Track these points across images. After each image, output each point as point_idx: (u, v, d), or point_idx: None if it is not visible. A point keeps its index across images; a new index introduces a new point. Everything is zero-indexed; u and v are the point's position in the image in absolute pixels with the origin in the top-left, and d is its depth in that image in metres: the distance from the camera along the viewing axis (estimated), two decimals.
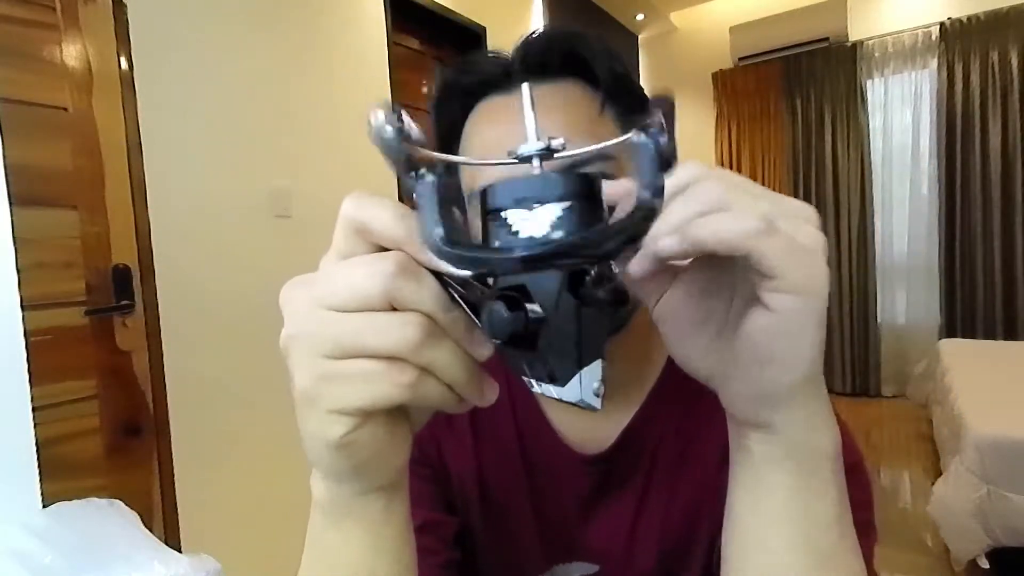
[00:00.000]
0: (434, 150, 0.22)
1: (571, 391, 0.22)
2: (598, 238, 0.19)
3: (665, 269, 0.29)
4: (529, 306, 0.22)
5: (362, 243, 0.25)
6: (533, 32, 0.48)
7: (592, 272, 0.22)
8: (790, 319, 0.26)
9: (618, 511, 0.50)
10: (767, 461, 0.30)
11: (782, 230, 0.25)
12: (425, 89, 2.71)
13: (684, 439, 0.49)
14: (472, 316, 0.24)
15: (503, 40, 0.54)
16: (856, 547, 0.31)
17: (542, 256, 0.18)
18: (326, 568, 0.32)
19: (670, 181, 0.25)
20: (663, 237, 0.25)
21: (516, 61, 0.48)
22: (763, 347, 0.27)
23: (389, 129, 0.20)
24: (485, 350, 0.25)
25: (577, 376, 0.22)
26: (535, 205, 0.19)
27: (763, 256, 0.24)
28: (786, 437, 0.29)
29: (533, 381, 0.23)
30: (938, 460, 2.28)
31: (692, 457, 0.49)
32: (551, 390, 0.22)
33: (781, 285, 0.25)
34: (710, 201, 0.25)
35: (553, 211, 0.19)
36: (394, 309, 0.23)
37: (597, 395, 0.22)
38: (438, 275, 0.24)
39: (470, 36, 2.72)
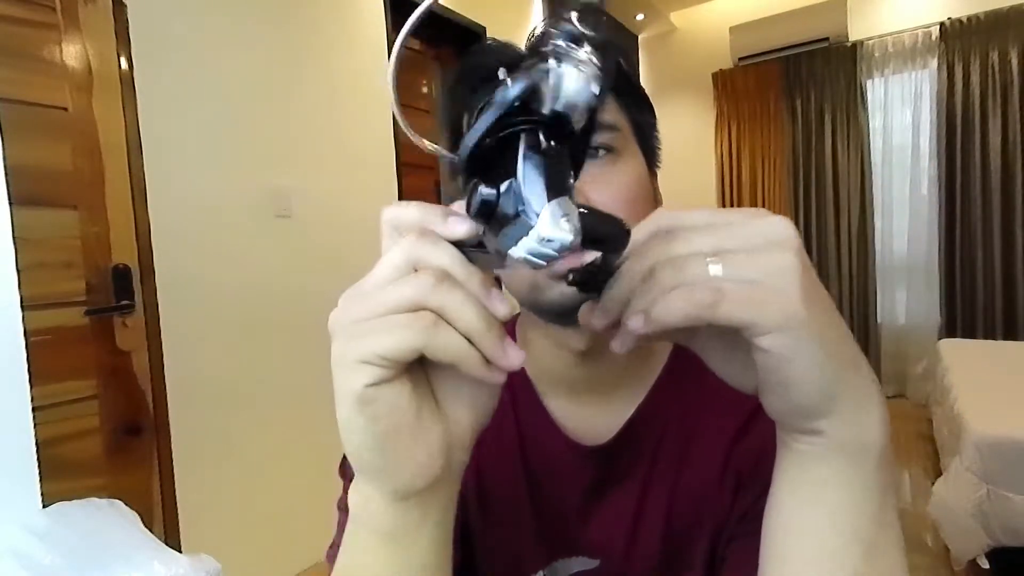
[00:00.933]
0: (446, 140, 0.26)
1: (543, 228, 0.24)
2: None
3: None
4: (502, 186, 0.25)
5: (398, 237, 0.28)
6: (543, 22, 0.50)
7: (540, 132, 0.25)
8: (784, 353, 0.26)
9: (619, 505, 0.49)
10: (814, 457, 0.30)
11: (738, 284, 0.25)
12: (425, 89, 2.71)
13: (687, 433, 0.49)
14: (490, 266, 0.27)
15: None
16: (900, 540, 0.31)
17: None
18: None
19: (627, 275, 0.28)
20: (631, 316, 0.27)
21: (525, 51, 0.49)
22: (775, 376, 0.27)
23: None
24: (503, 307, 0.27)
25: (546, 213, 0.24)
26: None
27: (727, 317, 0.25)
28: (834, 439, 0.29)
29: (515, 246, 0.25)
30: (938, 460, 2.28)
31: (695, 452, 0.48)
32: (527, 241, 0.24)
33: (757, 331, 0.25)
34: (661, 280, 0.26)
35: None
36: None
37: (569, 223, 0.24)
38: (458, 244, 0.27)
39: (470, 36, 2.72)
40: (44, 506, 1.08)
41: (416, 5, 0.24)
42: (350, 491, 0.32)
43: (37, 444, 1.08)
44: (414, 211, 0.28)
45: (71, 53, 1.42)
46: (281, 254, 1.89)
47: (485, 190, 0.25)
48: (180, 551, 1.03)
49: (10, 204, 1.07)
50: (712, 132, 4.17)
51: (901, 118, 3.63)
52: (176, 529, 1.58)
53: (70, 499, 1.09)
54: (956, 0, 3.38)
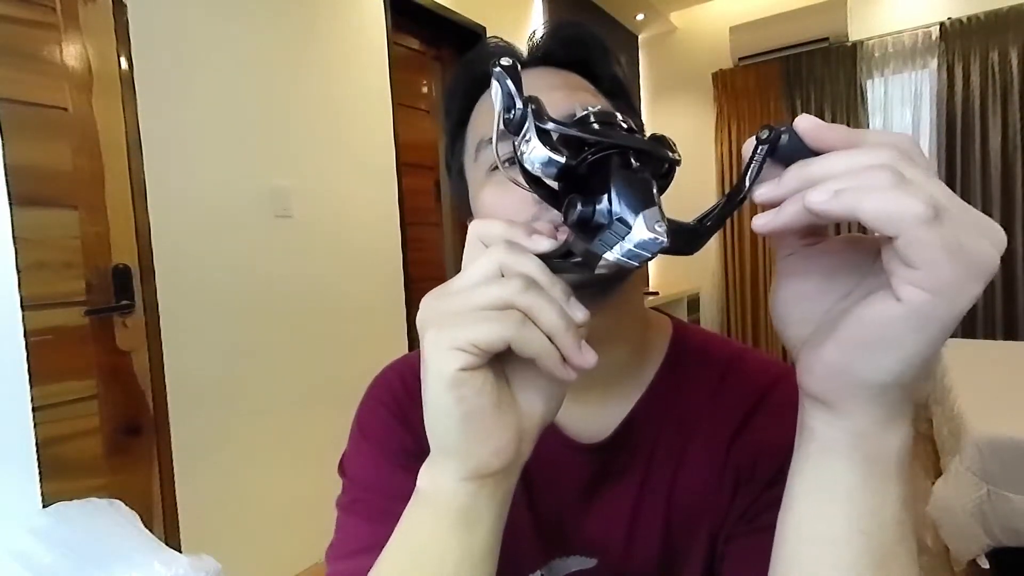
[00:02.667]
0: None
1: (639, 233, 0.27)
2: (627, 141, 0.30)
3: (806, 233, 0.30)
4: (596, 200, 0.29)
5: (482, 248, 0.32)
6: (544, 24, 0.51)
7: (633, 158, 0.30)
8: (916, 316, 0.24)
9: (617, 503, 0.49)
10: (829, 447, 0.30)
11: (944, 226, 0.23)
12: (425, 89, 2.71)
13: (685, 431, 0.49)
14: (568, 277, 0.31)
15: None
16: (914, 553, 0.31)
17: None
18: (411, 557, 0.33)
19: (852, 161, 0.25)
20: (814, 190, 0.25)
21: (523, 53, 0.51)
22: (872, 333, 0.26)
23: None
24: (581, 312, 0.31)
25: (640, 221, 0.27)
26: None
27: (913, 243, 0.23)
28: (853, 425, 0.29)
29: (611, 250, 0.28)
30: (938, 460, 2.28)
31: (693, 450, 0.48)
32: (624, 244, 0.28)
33: (920, 280, 0.24)
34: (879, 180, 0.24)
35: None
36: None
37: (662, 227, 0.27)
38: (541, 257, 0.31)
39: (470, 36, 2.72)
40: (44, 506, 1.08)
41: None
42: (420, 473, 0.33)
43: (37, 444, 1.08)
44: (501, 227, 0.32)
45: (71, 53, 1.42)
46: (281, 254, 1.88)
47: (582, 205, 0.29)
48: (180, 551, 1.03)
49: (10, 204, 1.07)
50: (712, 132, 4.17)
51: (901, 118, 3.63)
52: (176, 529, 1.58)
53: (70, 499, 1.09)
54: (956, 0, 3.39)
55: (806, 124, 0.27)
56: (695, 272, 4.30)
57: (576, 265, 0.31)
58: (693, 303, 4.23)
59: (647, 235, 0.27)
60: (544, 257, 0.31)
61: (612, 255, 0.28)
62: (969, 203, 0.26)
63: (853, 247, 0.30)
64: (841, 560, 0.30)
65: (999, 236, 0.25)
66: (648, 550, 0.48)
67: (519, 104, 0.29)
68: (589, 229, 0.29)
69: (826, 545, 0.30)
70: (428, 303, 0.31)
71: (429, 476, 0.33)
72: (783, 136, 0.28)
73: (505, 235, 0.32)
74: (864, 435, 0.29)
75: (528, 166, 0.29)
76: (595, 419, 0.50)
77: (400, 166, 2.35)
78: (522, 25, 3.13)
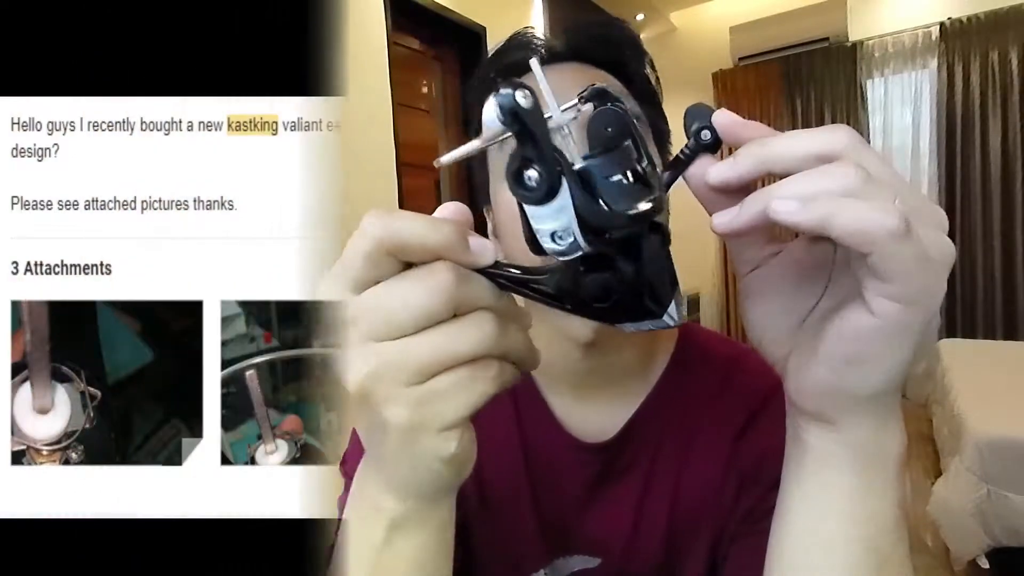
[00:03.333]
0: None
1: (668, 319, 0.25)
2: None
3: (768, 241, 0.29)
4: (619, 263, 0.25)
5: (392, 263, 0.24)
6: (574, 21, 0.50)
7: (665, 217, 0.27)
8: (892, 327, 0.24)
9: (621, 503, 0.49)
10: (827, 459, 0.29)
11: (915, 236, 0.23)
12: (425, 89, 2.71)
13: (690, 432, 0.49)
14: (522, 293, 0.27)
15: None
16: (908, 554, 0.30)
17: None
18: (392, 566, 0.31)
19: (811, 143, 0.25)
20: (779, 201, 0.24)
21: (555, 46, 0.49)
22: (854, 349, 0.26)
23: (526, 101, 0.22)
24: (529, 320, 0.28)
25: (672, 307, 0.25)
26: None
27: (887, 259, 0.22)
28: (851, 437, 0.28)
29: (628, 325, 0.26)
30: (938, 460, 2.29)
31: (697, 450, 0.48)
32: (644, 324, 0.26)
33: (894, 293, 0.23)
34: (850, 183, 0.23)
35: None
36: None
37: (683, 308, 0.26)
38: (481, 270, 0.25)
39: (470, 36, 2.72)
40: None
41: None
42: (375, 497, 0.30)
43: None
44: (426, 231, 0.23)
45: None
46: None
47: (604, 275, 0.25)
48: None
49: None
50: None
51: (901, 118, 3.63)
52: None
53: None
54: (956, 0, 3.39)
55: (725, 120, 0.27)
56: (695, 272, 4.30)
57: (542, 293, 0.26)
58: (693, 303, 4.23)
59: (674, 318, 0.25)
60: (486, 270, 0.25)
61: (629, 327, 0.26)
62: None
63: (811, 251, 0.29)
64: (840, 568, 0.29)
65: (944, 219, 0.26)
66: (651, 550, 0.48)
67: (543, 158, 0.22)
68: (607, 295, 0.26)
69: (825, 554, 0.30)
70: (355, 354, 0.24)
71: (391, 503, 0.29)
72: (715, 132, 0.27)
73: (437, 247, 0.23)
74: (862, 444, 0.28)
75: (546, 247, 0.24)
76: (600, 419, 0.50)
77: (400, 166, 2.35)
78: (522, 25, 3.13)
